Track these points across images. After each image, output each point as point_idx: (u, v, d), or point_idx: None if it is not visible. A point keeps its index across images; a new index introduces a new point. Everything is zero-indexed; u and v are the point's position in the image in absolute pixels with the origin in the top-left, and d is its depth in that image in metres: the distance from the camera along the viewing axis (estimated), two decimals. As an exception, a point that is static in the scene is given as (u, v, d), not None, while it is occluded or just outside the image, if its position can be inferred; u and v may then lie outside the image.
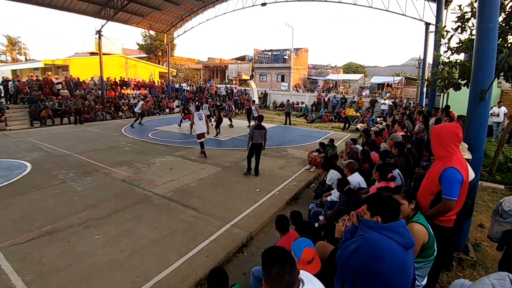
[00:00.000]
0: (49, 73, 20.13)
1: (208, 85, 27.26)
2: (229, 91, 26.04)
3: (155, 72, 29.10)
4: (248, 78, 32.71)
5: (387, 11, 14.73)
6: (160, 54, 36.49)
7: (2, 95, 15.86)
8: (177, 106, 21.54)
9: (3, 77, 16.85)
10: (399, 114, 10.39)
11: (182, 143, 11.08)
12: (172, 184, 6.65)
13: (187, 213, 5.26)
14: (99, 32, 18.98)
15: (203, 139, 8.88)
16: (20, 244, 4.18)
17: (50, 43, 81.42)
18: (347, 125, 16.02)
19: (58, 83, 18.12)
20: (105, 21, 18.55)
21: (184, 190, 6.36)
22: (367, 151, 5.78)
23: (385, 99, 20.44)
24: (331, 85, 31.04)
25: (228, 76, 37.68)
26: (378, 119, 15.83)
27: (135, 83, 23.47)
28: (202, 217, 5.11)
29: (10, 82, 16.23)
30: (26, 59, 38.30)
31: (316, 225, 4.12)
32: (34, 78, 17.76)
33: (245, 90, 25.81)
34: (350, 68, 42.85)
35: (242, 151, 7.49)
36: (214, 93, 25.40)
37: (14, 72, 23.25)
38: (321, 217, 4.36)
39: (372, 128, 11.23)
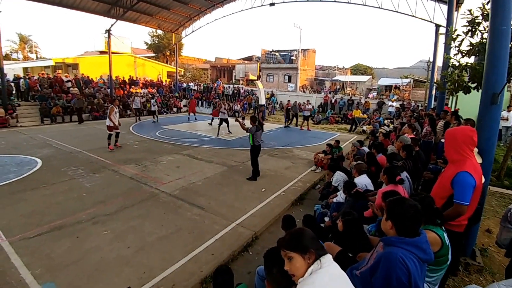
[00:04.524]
0: (59, 71, 20.51)
1: (215, 85, 27.37)
2: (236, 91, 26.11)
3: (163, 71, 29.37)
4: (255, 78, 32.72)
5: (397, 12, 14.59)
6: (168, 53, 36.74)
7: (14, 92, 16.15)
8: (184, 106, 21.68)
9: (14, 75, 17.16)
10: (407, 116, 10.29)
11: (189, 142, 11.15)
12: (178, 183, 6.70)
13: (193, 211, 5.30)
14: (108, 31, 19.21)
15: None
16: (30, 238, 4.25)
17: (61, 41, 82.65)
18: (353, 127, 15.94)
19: (68, 81, 18.42)
20: (114, 20, 18.79)
21: (191, 188, 6.41)
22: (373, 153, 5.73)
23: (392, 101, 20.26)
24: (338, 87, 30.90)
25: (235, 76, 37.76)
26: (386, 121, 15.70)
27: (144, 82, 23.70)
28: (208, 215, 5.15)
29: (21, 80, 16.56)
30: (37, 57, 38.93)
31: (322, 226, 4.11)
32: (45, 76, 18.06)
33: (251, 90, 25.85)
34: (358, 69, 42.64)
35: (248, 151, 7.48)
36: (221, 93, 25.49)
37: (25, 70, 23.64)
38: (326, 219, 4.35)
39: (379, 130, 11.15)
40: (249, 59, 43.12)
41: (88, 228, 4.58)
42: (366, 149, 7.08)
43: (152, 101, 16.41)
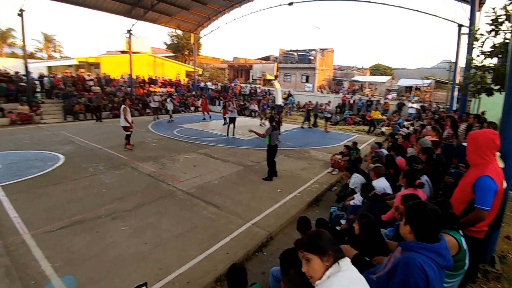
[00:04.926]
0: (82, 70, 21.18)
1: (233, 84, 27.49)
2: (253, 91, 26.12)
3: (181, 71, 29.78)
4: (273, 78, 32.61)
5: (418, 11, 14.11)
6: (186, 53, 37.26)
7: (38, 90, 16.77)
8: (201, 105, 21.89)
9: (39, 73, 17.86)
10: (427, 118, 9.92)
11: (205, 140, 11.22)
12: (195, 181, 6.74)
13: (209, 209, 5.32)
14: (129, 31, 19.67)
15: None
16: (51, 232, 4.37)
17: (83, 41, 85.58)
18: (372, 128, 15.55)
19: (90, 80, 18.99)
20: (135, 20, 19.21)
21: (207, 187, 6.43)
22: (392, 156, 5.57)
23: (413, 103, 19.67)
24: (357, 87, 30.30)
25: (252, 76, 37.80)
26: (405, 123, 15.22)
27: (162, 81, 24.12)
28: (223, 214, 5.15)
29: (45, 78, 17.19)
30: (61, 57, 40.46)
31: (338, 228, 4.05)
32: (69, 75, 18.72)
33: (268, 90, 25.78)
34: (377, 70, 41.74)
35: (264, 151, 7.42)
36: (238, 92, 25.57)
37: (49, 68, 24.62)
38: (343, 221, 4.27)
39: (398, 132, 10.82)
40: (267, 59, 43.06)
41: (107, 224, 4.67)
42: (384, 151, 6.92)
43: (168, 100, 16.58)
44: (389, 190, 4.31)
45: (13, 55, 31.28)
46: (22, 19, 14.71)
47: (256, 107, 20.45)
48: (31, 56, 32.96)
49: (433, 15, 13.69)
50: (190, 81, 27.01)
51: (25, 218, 4.74)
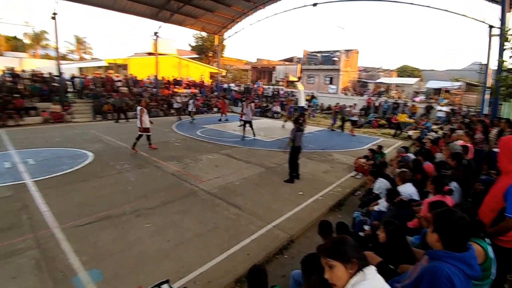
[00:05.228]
0: (111, 71, 22.09)
1: (255, 86, 27.56)
2: (275, 92, 26.05)
3: (205, 72, 30.30)
4: (296, 79, 32.34)
5: (447, 11, 13.45)
6: (210, 55, 37.86)
7: (69, 90, 17.63)
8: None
9: (71, 74, 18.78)
10: (457, 122, 9.42)
11: (228, 141, 11.28)
12: (217, 181, 6.77)
13: (231, 210, 5.32)
14: (156, 33, 20.27)
15: None
16: (80, 226, 4.53)
17: (112, 43, 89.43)
18: (398, 132, 14.95)
19: (118, 81, 19.78)
20: (162, 22, 19.76)
21: (229, 187, 6.44)
22: (419, 160, 5.38)
23: (442, 106, 18.74)
24: (383, 89, 29.37)
25: (276, 77, 37.72)
26: (434, 126, 14.50)
27: (187, 82, 24.64)
28: (244, 215, 5.14)
29: (76, 79, 18.07)
30: (91, 58, 42.51)
31: (361, 234, 3.92)
32: (99, 76, 19.59)
33: (291, 92, 25.60)
34: (404, 71, 40.37)
35: (286, 152, 7.34)
36: (261, 93, 25.60)
37: (80, 69, 25.93)
38: (366, 227, 4.13)
39: (426, 136, 10.33)
40: (290, 60, 42.84)
41: (132, 220, 4.78)
42: (411, 155, 6.64)
43: (190, 101, 16.64)
44: (415, 196, 4.16)
45: (47, 57, 33.23)
46: (55, 22, 15.56)
47: (278, 109, 20.36)
48: (63, 57, 34.75)
49: (463, 15, 13.02)
50: (213, 83, 27.39)
51: (55, 212, 4.95)
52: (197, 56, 38.07)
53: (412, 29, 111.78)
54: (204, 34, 36.23)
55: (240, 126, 13.20)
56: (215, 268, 3.67)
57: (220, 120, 17.19)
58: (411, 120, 16.83)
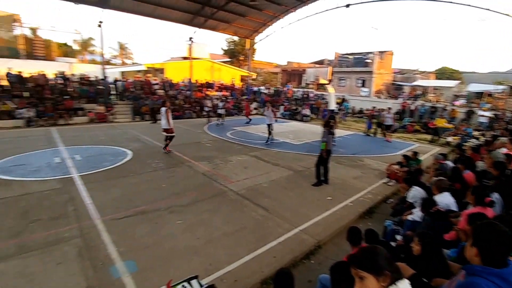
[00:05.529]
0: (149, 74, 23.34)
1: (285, 88, 27.57)
2: (305, 95, 25.86)
3: (236, 75, 30.93)
4: (326, 82, 31.84)
5: (489, 10, 12.55)
6: (242, 58, 38.50)
7: (112, 92, 18.93)
8: (254, 108, 22.39)
9: (114, 78, 20.21)
10: (500, 128, 8.75)
11: (257, 143, 11.44)
12: (245, 182, 6.91)
13: (258, 211, 5.40)
14: (190, 39, 21.11)
15: None
16: (118, 219, 4.88)
17: (150, 48, 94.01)
18: (435, 137, 14.13)
19: (155, 84, 20.86)
20: (196, 28, 20.53)
21: (257, 189, 6.54)
22: (459, 168, 5.10)
23: (484, 110, 17.47)
24: (419, 92, 27.95)
25: (306, 80, 37.41)
26: (475, 133, 13.54)
27: (219, 85, 25.32)
28: (272, 217, 5.18)
29: (119, 82, 19.41)
30: (132, 63, 45.21)
31: (393, 244, 3.76)
32: (138, 79, 20.85)
33: (322, 95, 25.27)
34: (443, 73, 38.12)
35: (314, 156, 7.29)
36: (290, 96, 25.55)
37: (122, 73, 27.74)
38: (398, 237, 3.97)
39: (467, 143, 9.71)
40: (321, 62, 42.30)
41: (165, 216, 5.05)
42: (450, 163, 6.31)
43: (220, 104, 16.90)
44: (453, 207, 3.94)
45: (93, 62, 35.83)
46: (101, 30, 16.82)
47: (308, 112, 20.18)
48: (108, 62, 37.40)
49: (506, 14, 12.10)
50: (244, 85, 27.85)
51: (97, 205, 5.38)
52: (228, 59, 38.93)
53: (452, 28, 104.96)
54: (235, 38, 36.93)
55: (246, 123, 13.97)
56: (242, 268, 3.73)
57: (247, 123, 17.47)
58: (450, 126, 15.88)
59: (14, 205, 5.29)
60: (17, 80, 15.80)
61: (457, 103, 21.73)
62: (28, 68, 18.65)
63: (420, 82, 30.95)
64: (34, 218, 4.83)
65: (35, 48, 28.38)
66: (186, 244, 4.22)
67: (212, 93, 23.10)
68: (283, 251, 4.16)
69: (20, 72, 16.36)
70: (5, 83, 15.53)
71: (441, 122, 16.00)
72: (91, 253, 3.92)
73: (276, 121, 16.24)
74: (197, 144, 11.07)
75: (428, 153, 10.98)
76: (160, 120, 9.31)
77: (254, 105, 23.24)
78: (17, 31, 25.30)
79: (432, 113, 19.24)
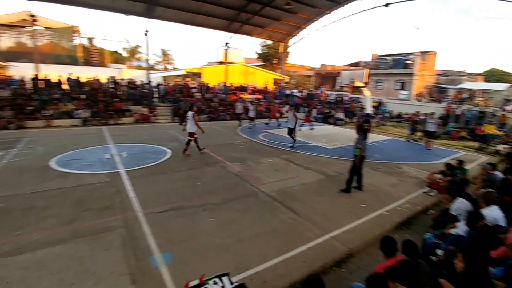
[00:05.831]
0: (188, 79, 24.58)
1: (318, 91, 27.27)
2: (339, 98, 25.35)
3: (270, 79, 31.30)
4: (362, 85, 30.84)
5: None
6: (275, 61, 38.74)
7: (155, 95, 20.22)
8: (286, 111, 22.42)
9: (157, 82, 21.73)
10: None
11: (289, 147, 11.48)
12: (276, 185, 6.97)
13: (288, 214, 5.39)
14: (226, 44, 21.81)
15: None
16: (157, 213, 5.24)
17: (190, 53, 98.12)
18: (483, 145, 13.10)
19: (193, 88, 21.92)
20: (232, 34, 21.17)
21: (287, 192, 6.54)
22: (509, 180, 4.81)
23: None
24: (466, 96, 26.04)
25: (341, 82, 36.57)
26: (529, 141, 12.36)
27: (252, 88, 25.81)
28: (302, 221, 5.13)
29: (161, 86, 20.88)
30: (173, 68, 47.73)
31: (433, 259, 3.54)
32: (178, 83, 22.12)
33: (357, 98, 24.60)
34: (492, 75, 35.15)
35: (348, 161, 7.15)
36: (324, 99, 25.22)
37: (164, 78, 29.56)
38: (439, 251, 3.73)
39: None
40: (356, 65, 41.03)
41: (199, 213, 5.32)
42: (499, 174, 5.86)
43: (251, 107, 17.01)
44: (502, 222, 3.68)
45: (139, 68, 38.31)
46: (147, 38, 18.09)
47: (341, 115, 19.79)
48: (152, 68, 39.85)
49: None
50: (277, 89, 28.03)
51: (140, 198, 5.82)
52: (262, 63, 39.39)
53: (502, 27, 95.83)
54: (269, 42, 37.28)
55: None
56: (271, 270, 3.73)
57: (279, 125, 17.45)
58: (500, 133, 14.67)
59: (70, 195, 5.94)
60: (75, 84, 17.81)
61: (508, 108, 19.96)
62: (85, 73, 20.64)
63: (466, 85, 28.83)
64: (86, 207, 5.39)
65: (91, 55, 31.14)
66: (218, 241, 4.34)
67: (246, 96, 23.59)
68: (312, 256, 4.11)
69: (78, 77, 18.38)
70: (66, 86, 17.50)
71: (490, 129, 14.89)
72: (133, 243, 4.24)
73: (311, 125, 16.22)
74: (230, 145, 11.45)
75: (474, 162, 10.25)
76: (185, 123, 9.62)
77: (286, 107, 23.26)
78: (76, 41, 27.98)
79: (479, 118, 17.99)
